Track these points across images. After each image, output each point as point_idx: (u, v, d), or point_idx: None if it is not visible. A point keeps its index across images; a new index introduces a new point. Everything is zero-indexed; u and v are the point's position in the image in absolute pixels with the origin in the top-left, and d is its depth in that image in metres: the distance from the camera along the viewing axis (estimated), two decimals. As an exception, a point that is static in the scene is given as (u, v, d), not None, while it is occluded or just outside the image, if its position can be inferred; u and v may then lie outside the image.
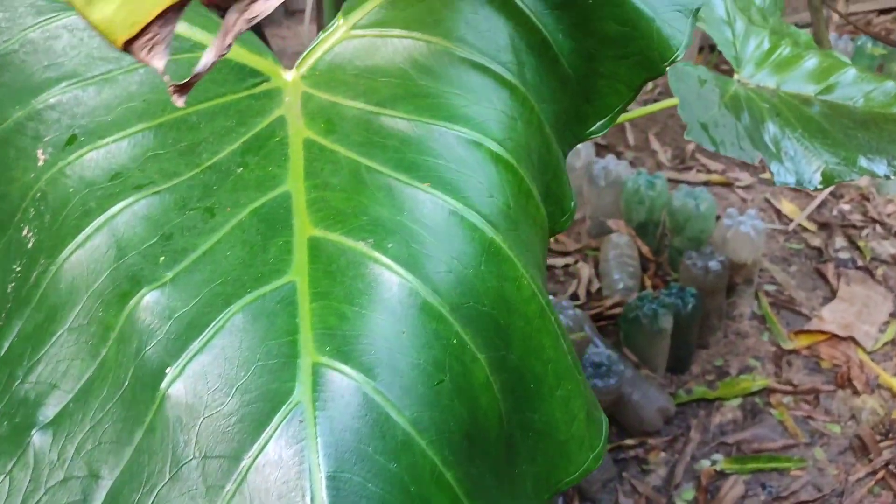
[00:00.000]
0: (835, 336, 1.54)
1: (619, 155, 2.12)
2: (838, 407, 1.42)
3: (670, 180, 2.00)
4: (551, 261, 1.75)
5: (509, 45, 0.54)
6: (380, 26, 0.52)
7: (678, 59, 0.60)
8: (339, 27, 0.53)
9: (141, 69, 0.51)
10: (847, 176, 0.89)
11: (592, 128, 0.63)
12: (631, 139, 2.22)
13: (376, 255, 0.42)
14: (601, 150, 2.16)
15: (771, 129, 0.98)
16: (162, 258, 0.44)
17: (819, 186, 0.89)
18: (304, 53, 0.53)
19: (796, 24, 2.95)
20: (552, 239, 1.82)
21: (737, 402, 1.43)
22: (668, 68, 0.98)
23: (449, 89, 0.50)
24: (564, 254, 1.76)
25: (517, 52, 0.55)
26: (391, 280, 0.42)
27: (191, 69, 0.52)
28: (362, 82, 0.51)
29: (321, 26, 1.80)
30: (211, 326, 0.41)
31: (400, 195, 0.45)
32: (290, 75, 0.53)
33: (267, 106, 0.51)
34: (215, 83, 0.51)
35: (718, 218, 1.66)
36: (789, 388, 1.45)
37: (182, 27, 0.52)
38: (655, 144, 2.17)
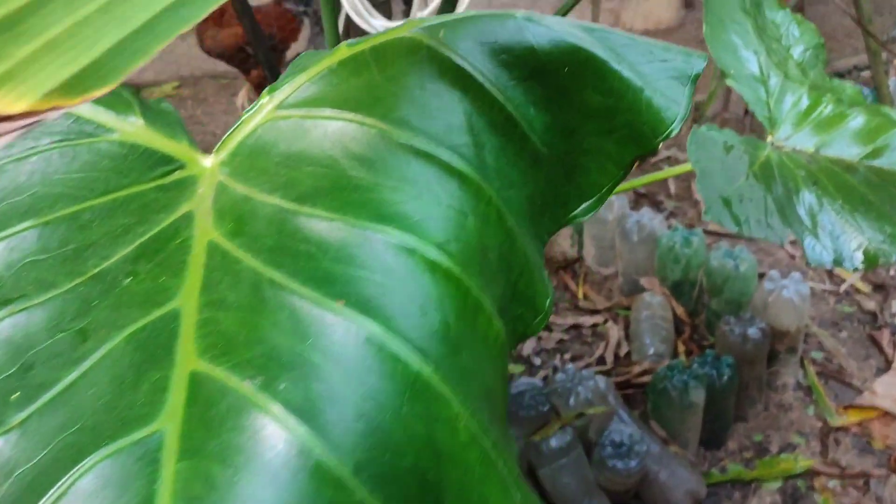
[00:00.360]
0: (889, 413, 1.40)
1: (658, 204, 2.02)
2: (891, 494, 1.27)
3: (713, 233, 1.88)
4: (580, 319, 1.64)
5: (464, 125, 0.46)
6: (309, 105, 0.45)
7: (673, 133, 0.51)
8: (264, 105, 0.45)
9: (33, 157, 0.45)
10: (893, 256, 0.78)
11: (576, 211, 0.55)
12: (672, 188, 2.11)
13: (263, 399, 0.34)
14: (640, 198, 2.06)
15: (807, 199, 0.88)
16: (16, 395, 0.36)
17: (860, 267, 0.78)
18: (227, 135, 0.46)
19: (854, 68, 2.81)
20: (581, 296, 1.72)
21: (776, 484, 1.30)
22: (691, 131, 0.89)
23: (383, 181, 0.42)
24: (593, 312, 1.66)
25: (474, 132, 0.46)
26: (276, 435, 0.33)
27: (92, 158, 0.46)
28: (284, 172, 0.43)
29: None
30: (53, 491, 0.33)
31: (305, 318, 0.37)
32: (208, 161, 0.46)
33: (175, 199, 0.44)
34: (118, 173, 0.44)
35: (763, 276, 1.54)
36: (836, 470, 1.31)
37: (83, 106, 0.46)
38: (699, 194, 2.06)
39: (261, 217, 0.42)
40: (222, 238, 0.41)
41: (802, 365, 1.51)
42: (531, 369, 1.52)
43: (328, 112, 0.44)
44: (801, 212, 0.88)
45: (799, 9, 3.37)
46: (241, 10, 1.51)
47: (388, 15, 1.71)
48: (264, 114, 0.45)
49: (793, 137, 0.96)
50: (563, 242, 1.81)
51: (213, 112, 2.71)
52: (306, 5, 2.28)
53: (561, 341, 1.59)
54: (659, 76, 0.52)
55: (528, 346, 1.56)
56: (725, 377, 1.34)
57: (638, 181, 1.04)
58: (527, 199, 0.51)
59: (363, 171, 0.42)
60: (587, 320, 1.63)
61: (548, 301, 0.51)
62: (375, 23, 1.63)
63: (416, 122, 0.44)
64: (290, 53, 2.53)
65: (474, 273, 0.42)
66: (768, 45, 1.01)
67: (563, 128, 0.51)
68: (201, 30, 2.26)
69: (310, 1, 2.31)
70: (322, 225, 0.40)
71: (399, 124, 0.44)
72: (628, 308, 1.63)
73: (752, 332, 1.38)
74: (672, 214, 1.97)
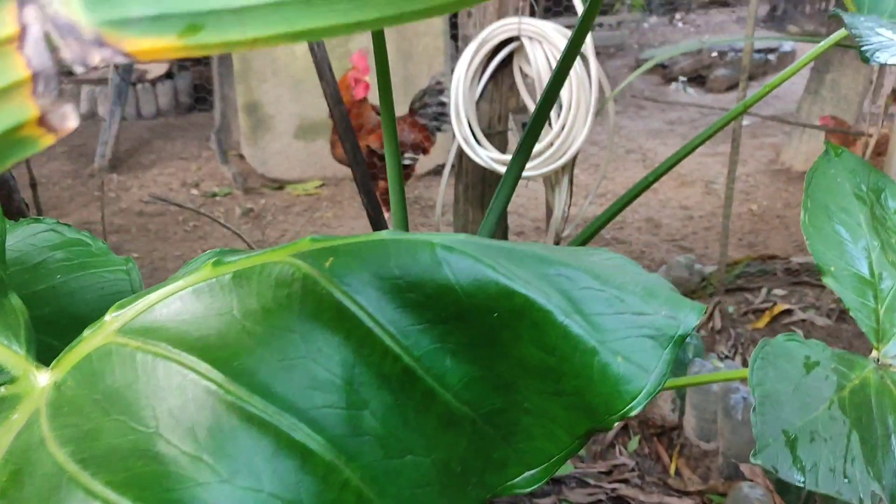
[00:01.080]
0: None
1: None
2: None
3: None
4: (666, 500, 1.45)
5: (338, 380, 0.37)
6: (148, 335, 0.37)
7: (633, 411, 0.39)
8: (107, 325, 0.38)
9: None
10: None
11: (517, 479, 0.43)
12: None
13: None
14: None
15: (908, 442, 0.70)
16: None
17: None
18: (66, 350, 0.39)
19: None
20: (672, 471, 1.53)
21: None
22: (760, 342, 0.74)
23: (192, 452, 0.33)
24: (683, 494, 1.46)
25: (353, 388, 0.37)
26: None
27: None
28: (95, 416, 0.35)
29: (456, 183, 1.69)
30: None
31: None
32: (44, 378, 0.39)
33: (-19, 425, 0.37)
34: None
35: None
36: None
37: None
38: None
39: (38, 476, 0.34)
40: (-12, 498, 0.34)
41: None
42: (598, 551, 1.35)
43: (162, 347, 0.36)
44: (899, 460, 0.70)
45: None
46: (343, 134, 1.50)
47: (503, 146, 1.65)
48: (105, 335, 0.38)
49: (904, 358, 0.78)
50: (663, 405, 1.63)
51: (343, 216, 2.75)
52: (438, 119, 2.29)
53: (639, 522, 1.41)
54: (626, 334, 0.40)
55: (598, 523, 1.39)
56: None
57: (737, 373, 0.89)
58: (435, 467, 0.40)
59: (174, 434, 0.34)
60: (674, 503, 1.44)
61: None
62: (482, 153, 1.57)
63: (262, 376, 0.35)
64: (427, 163, 2.53)
65: None
66: (885, 239, 0.85)
67: (497, 382, 0.41)
68: (333, 138, 2.31)
69: (443, 115, 2.31)
70: (90, 506, 0.32)
71: (239, 377, 0.35)
72: (724, 495, 1.43)
73: (864, 560, 1.15)
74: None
